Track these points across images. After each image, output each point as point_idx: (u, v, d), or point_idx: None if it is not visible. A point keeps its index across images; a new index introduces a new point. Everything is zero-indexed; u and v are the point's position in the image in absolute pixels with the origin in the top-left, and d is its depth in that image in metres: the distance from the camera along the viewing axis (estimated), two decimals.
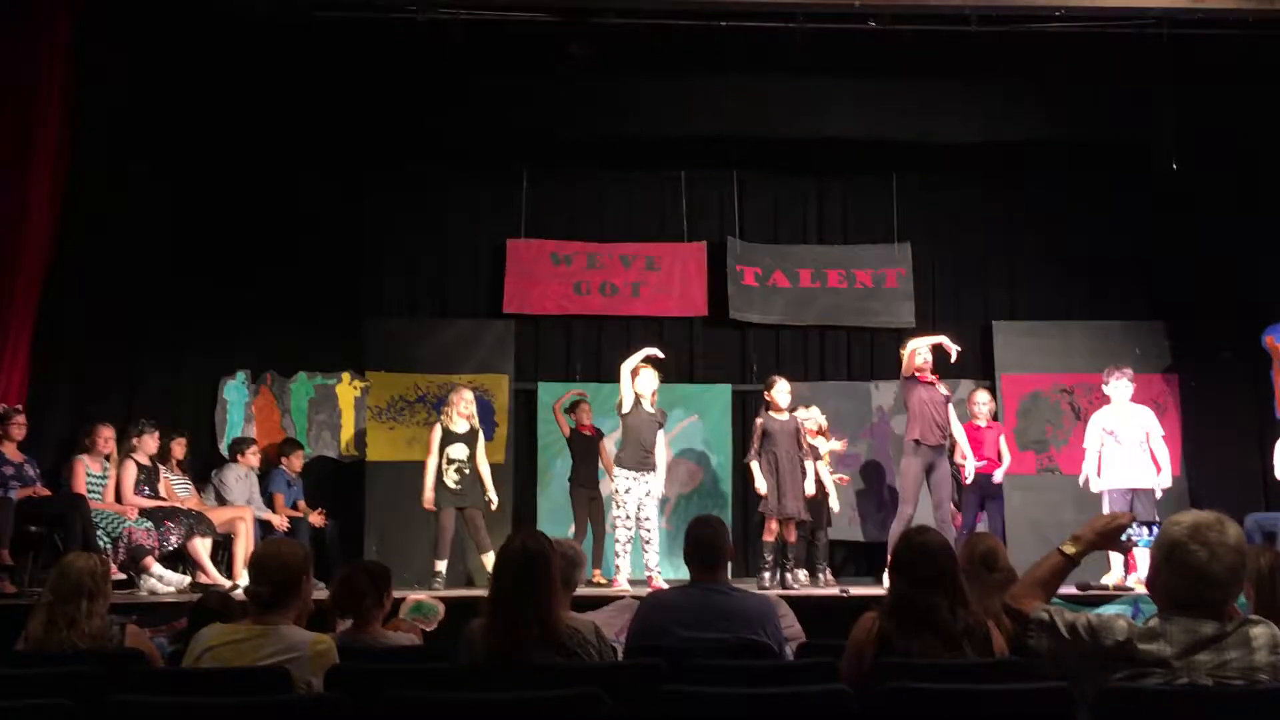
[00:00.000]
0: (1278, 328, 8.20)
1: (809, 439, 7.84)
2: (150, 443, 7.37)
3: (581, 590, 5.21)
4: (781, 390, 7.67)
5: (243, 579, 6.75)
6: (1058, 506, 8.40)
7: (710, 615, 3.69)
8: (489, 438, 8.34)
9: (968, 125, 8.67)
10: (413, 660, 3.65)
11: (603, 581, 7.74)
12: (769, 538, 7.47)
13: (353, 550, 8.31)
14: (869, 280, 9.40)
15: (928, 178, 9.44)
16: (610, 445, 8.19)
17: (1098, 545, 2.86)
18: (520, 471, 9.01)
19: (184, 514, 7.15)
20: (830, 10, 7.51)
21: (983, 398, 8.26)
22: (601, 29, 7.55)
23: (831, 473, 8.21)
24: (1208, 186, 8.66)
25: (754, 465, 7.61)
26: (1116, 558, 7.00)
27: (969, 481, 7.85)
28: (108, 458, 7.09)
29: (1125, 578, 7.17)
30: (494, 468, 8.16)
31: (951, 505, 7.61)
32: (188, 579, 6.98)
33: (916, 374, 7.53)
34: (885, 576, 6.30)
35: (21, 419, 6.54)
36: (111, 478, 7.09)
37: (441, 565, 7.58)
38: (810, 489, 7.60)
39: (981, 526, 7.84)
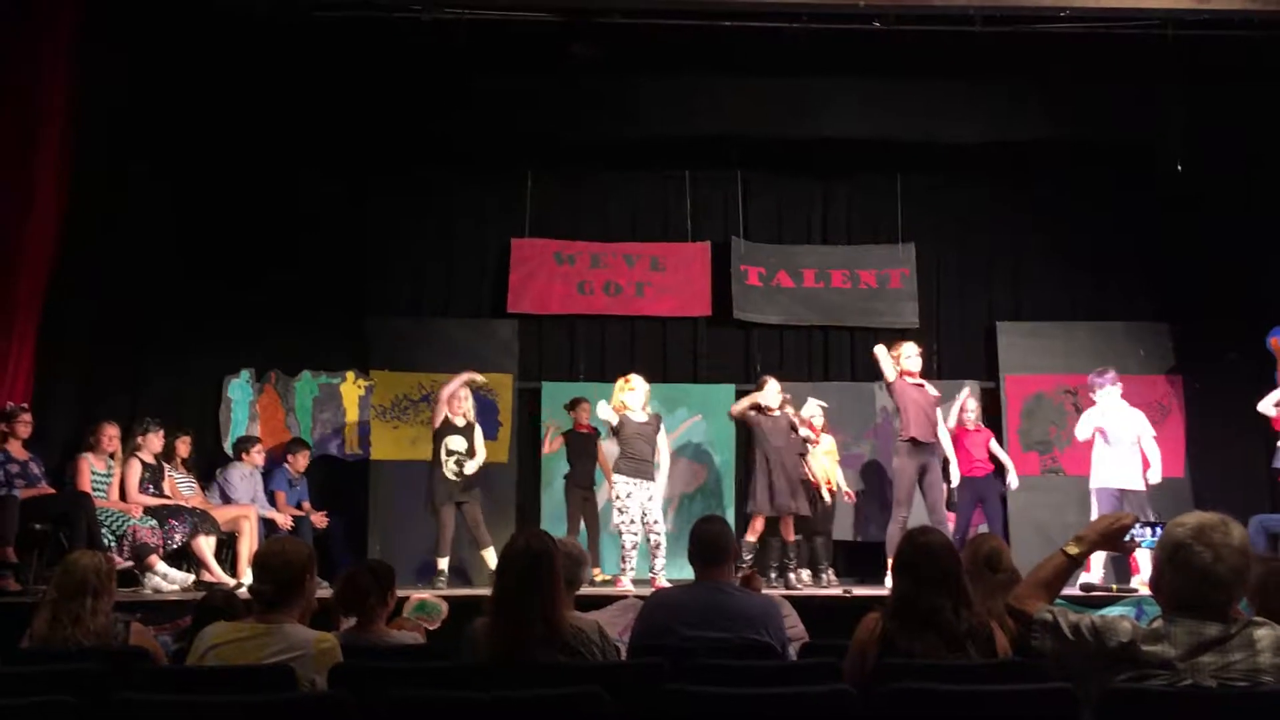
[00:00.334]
0: None
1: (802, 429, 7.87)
2: (155, 441, 7.38)
3: (583, 589, 5.22)
4: (771, 391, 7.68)
5: (247, 577, 6.76)
6: (1061, 507, 8.39)
7: (714, 615, 3.69)
8: (492, 437, 8.35)
9: (972, 126, 8.67)
10: (416, 659, 3.65)
11: (606, 578, 7.75)
12: (751, 537, 7.47)
13: (357, 549, 8.32)
14: (873, 281, 9.39)
15: (932, 178, 9.43)
16: (611, 448, 8.19)
17: (1101, 546, 2.86)
18: (523, 471, 9.01)
19: (188, 512, 7.17)
20: (835, 10, 7.51)
21: (971, 403, 8.27)
22: (605, 29, 7.56)
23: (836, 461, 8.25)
24: (1213, 187, 8.65)
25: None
26: (1096, 559, 7.01)
27: (954, 484, 7.86)
28: (112, 456, 7.10)
29: (1103, 577, 7.21)
30: (497, 467, 8.17)
31: (945, 508, 7.62)
32: (192, 577, 6.99)
33: (906, 375, 7.53)
34: (888, 577, 6.31)
35: (27, 417, 6.55)
36: (116, 476, 7.10)
37: (443, 564, 7.59)
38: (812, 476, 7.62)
39: (980, 528, 7.84)
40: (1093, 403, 7.77)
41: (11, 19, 6.72)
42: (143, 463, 7.25)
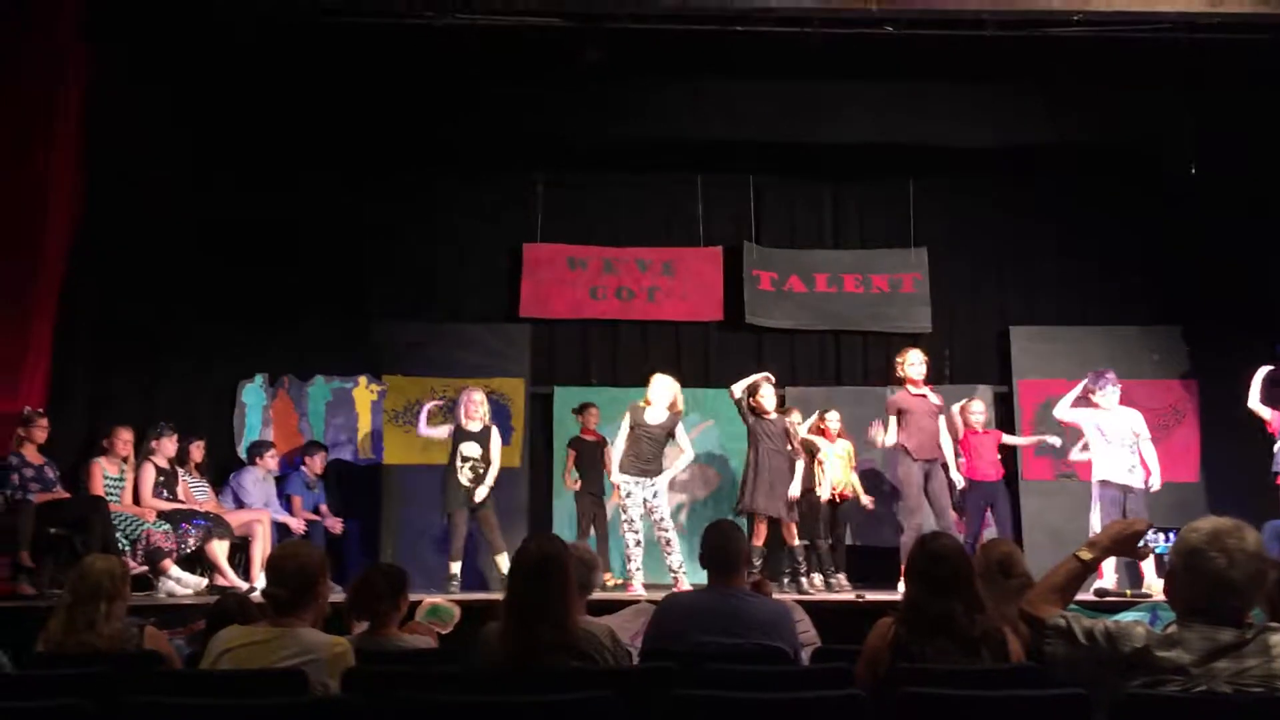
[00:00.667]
0: None
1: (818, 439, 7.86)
2: (169, 445, 7.41)
3: (595, 594, 5.22)
4: (767, 394, 7.66)
5: (260, 581, 6.78)
6: (1074, 512, 8.33)
7: (726, 620, 3.69)
8: (505, 442, 8.36)
9: (984, 130, 8.66)
10: (428, 663, 3.65)
11: (618, 583, 7.74)
12: (757, 542, 7.46)
13: (369, 552, 8.34)
14: (885, 285, 9.38)
15: (944, 182, 9.42)
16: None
17: (1114, 551, 2.84)
18: (535, 475, 9.02)
19: (202, 517, 7.19)
20: (847, 15, 7.50)
21: (977, 406, 8.24)
22: (616, 34, 7.56)
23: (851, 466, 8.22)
24: (1226, 191, 8.61)
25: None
26: (1108, 564, 6.97)
27: (961, 486, 7.82)
28: (126, 460, 7.13)
29: (1117, 583, 7.19)
30: (509, 472, 8.16)
31: (954, 513, 7.59)
32: (205, 581, 7.02)
33: (910, 384, 7.50)
34: (901, 582, 6.29)
35: (44, 422, 6.57)
36: (129, 480, 7.13)
37: (456, 568, 7.59)
38: (796, 490, 7.56)
39: (990, 533, 7.81)
40: (1094, 405, 7.72)
41: (23, 20, 6.76)
42: (157, 467, 7.29)
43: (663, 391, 7.43)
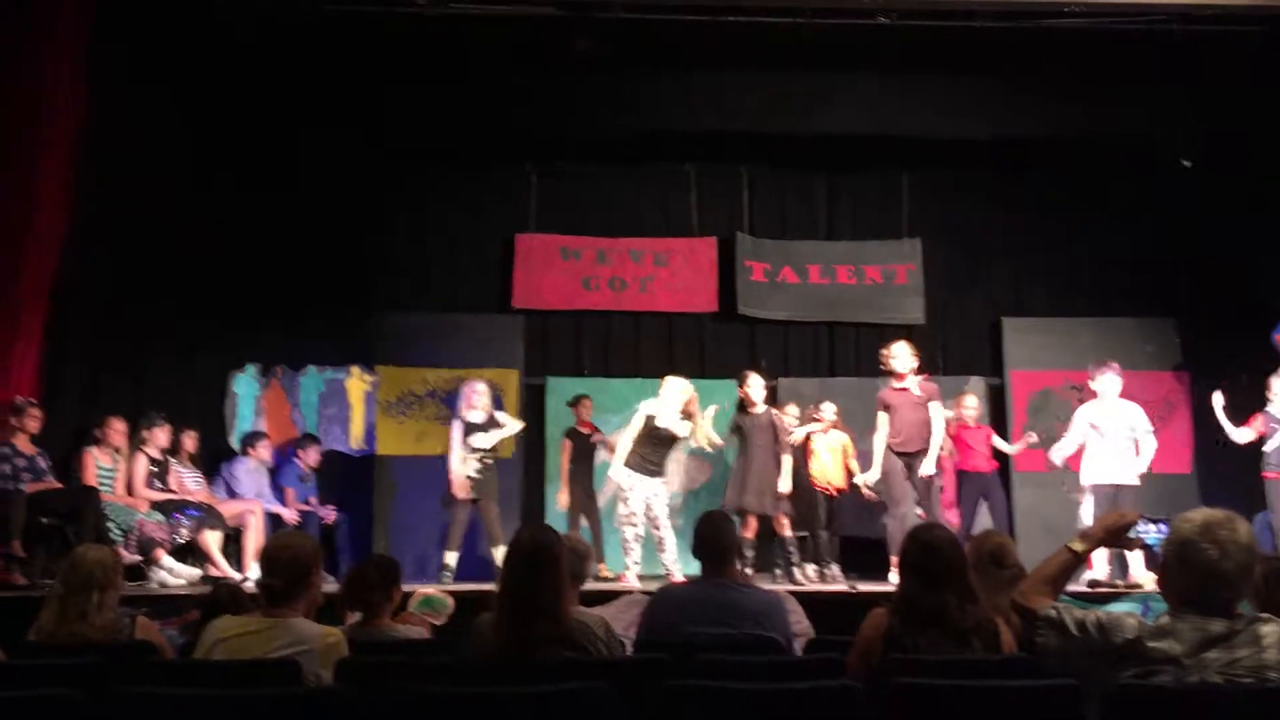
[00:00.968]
0: None
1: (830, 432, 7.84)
2: (161, 436, 7.39)
3: (588, 585, 5.22)
4: (755, 385, 7.65)
5: (252, 572, 6.78)
6: (1067, 504, 8.36)
7: (719, 611, 3.70)
8: None
9: (978, 121, 8.65)
10: (422, 654, 3.66)
11: (608, 575, 7.75)
12: (748, 534, 7.46)
13: (362, 543, 8.34)
14: (878, 276, 9.39)
15: (938, 174, 9.43)
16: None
17: (1106, 543, 2.85)
18: (528, 466, 9.02)
19: (194, 507, 7.18)
20: (840, 6, 7.49)
21: (971, 400, 8.25)
22: (609, 23, 7.54)
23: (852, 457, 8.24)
24: (1218, 184, 8.63)
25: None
26: (1100, 555, 6.99)
27: (926, 476, 7.80)
28: (118, 450, 7.11)
29: (1109, 574, 7.20)
30: (502, 463, 8.16)
31: (945, 507, 7.61)
32: (198, 572, 7.01)
33: (895, 378, 7.45)
34: (893, 573, 6.30)
35: (36, 412, 6.56)
36: (122, 470, 7.11)
37: (451, 558, 7.59)
38: (786, 486, 7.56)
39: (983, 524, 7.83)
40: (1094, 394, 7.72)
41: (20, 14, 6.73)
42: (149, 457, 7.27)
43: (674, 395, 7.34)
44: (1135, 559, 7.13)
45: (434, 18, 7.38)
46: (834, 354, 9.54)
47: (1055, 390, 9.09)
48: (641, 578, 7.23)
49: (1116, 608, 3.96)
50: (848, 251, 9.51)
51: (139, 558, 6.77)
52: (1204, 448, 8.84)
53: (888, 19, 7.46)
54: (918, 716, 2.71)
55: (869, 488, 7.90)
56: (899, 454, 7.38)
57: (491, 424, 7.84)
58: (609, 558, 8.18)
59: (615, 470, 7.39)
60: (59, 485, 6.69)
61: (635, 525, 7.33)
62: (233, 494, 7.90)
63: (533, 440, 9.08)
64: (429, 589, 5.43)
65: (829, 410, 8.25)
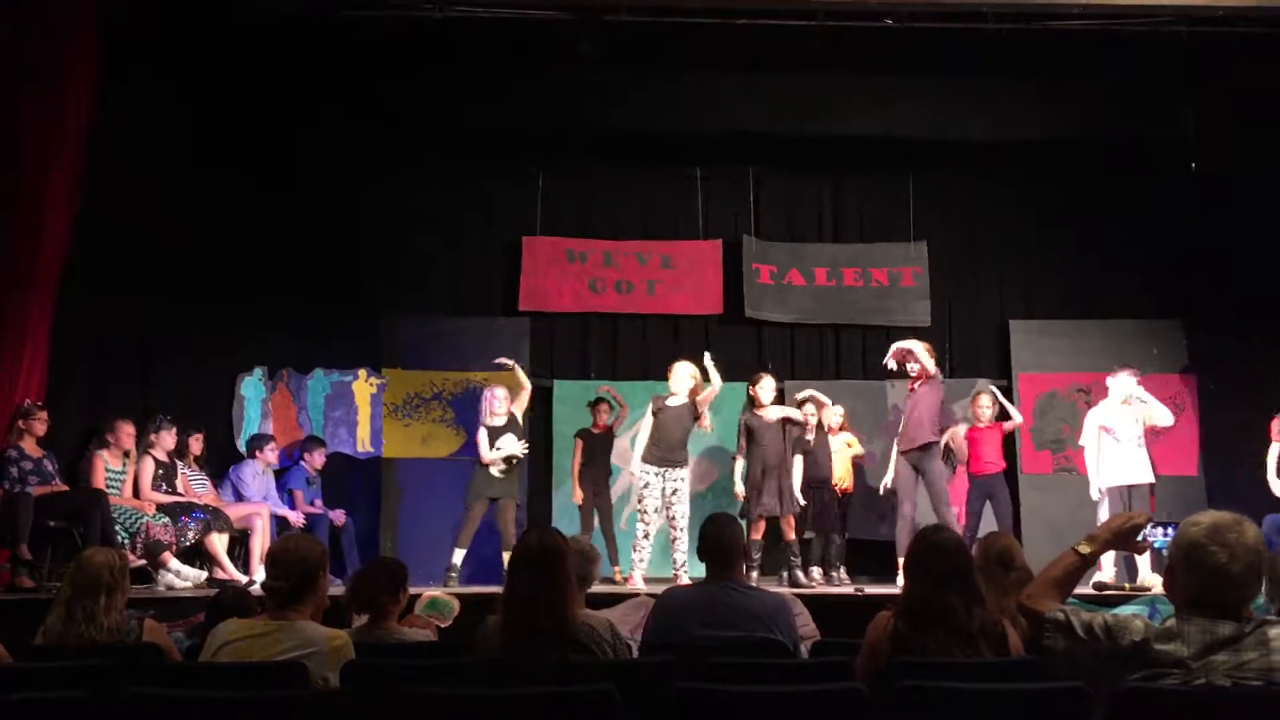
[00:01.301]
0: None
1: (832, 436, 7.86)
2: (168, 439, 7.40)
3: (595, 587, 5.22)
4: (766, 387, 7.66)
5: (259, 574, 6.78)
6: (1074, 506, 8.35)
7: (725, 613, 3.69)
8: None
9: (984, 123, 8.65)
10: (428, 656, 3.65)
11: (619, 579, 7.74)
12: (756, 536, 7.46)
13: (369, 546, 8.34)
14: (885, 279, 9.37)
15: (944, 176, 9.41)
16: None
17: (1113, 545, 2.84)
18: (535, 469, 9.02)
19: (201, 510, 7.19)
20: (847, 8, 7.50)
21: (985, 400, 8.23)
22: (615, 26, 7.55)
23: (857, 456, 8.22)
24: (1225, 185, 8.60)
25: (737, 464, 7.62)
26: (1107, 558, 6.98)
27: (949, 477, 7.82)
28: (127, 454, 7.13)
29: (1116, 576, 7.18)
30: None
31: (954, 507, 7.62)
32: (205, 574, 7.02)
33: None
34: (900, 575, 6.29)
35: (44, 415, 6.57)
36: (129, 473, 7.12)
37: (458, 557, 7.61)
38: (796, 481, 7.57)
39: (988, 525, 7.81)
40: (1101, 395, 7.70)
41: (37, 13, 6.75)
42: (156, 460, 7.28)
43: (680, 376, 7.44)
44: (1144, 562, 7.12)
45: (441, 21, 7.39)
46: (840, 357, 9.53)
47: (1061, 392, 9.08)
48: (648, 580, 7.23)
49: (1124, 610, 3.94)
50: (854, 254, 9.50)
51: (145, 560, 6.78)
52: (1211, 450, 8.81)
53: (894, 21, 7.46)
54: (924, 719, 2.71)
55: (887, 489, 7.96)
56: (904, 454, 7.40)
57: (513, 424, 7.94)
58: (623, 558, 8.16)
59: (634, 465, 7.50)
60: (66, 488, 6.70)
61: (647, 524, 7.33)
62: (239, 497, 7.91)
63: (538, 443, 9.07)
64: (435, 591, 5.45)
65: (836, 413, 8.25)
